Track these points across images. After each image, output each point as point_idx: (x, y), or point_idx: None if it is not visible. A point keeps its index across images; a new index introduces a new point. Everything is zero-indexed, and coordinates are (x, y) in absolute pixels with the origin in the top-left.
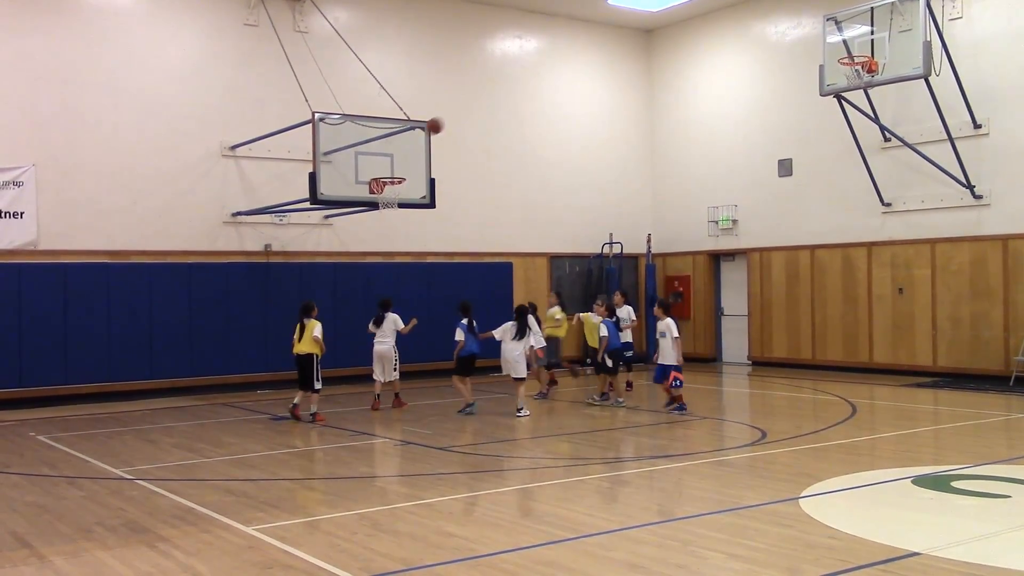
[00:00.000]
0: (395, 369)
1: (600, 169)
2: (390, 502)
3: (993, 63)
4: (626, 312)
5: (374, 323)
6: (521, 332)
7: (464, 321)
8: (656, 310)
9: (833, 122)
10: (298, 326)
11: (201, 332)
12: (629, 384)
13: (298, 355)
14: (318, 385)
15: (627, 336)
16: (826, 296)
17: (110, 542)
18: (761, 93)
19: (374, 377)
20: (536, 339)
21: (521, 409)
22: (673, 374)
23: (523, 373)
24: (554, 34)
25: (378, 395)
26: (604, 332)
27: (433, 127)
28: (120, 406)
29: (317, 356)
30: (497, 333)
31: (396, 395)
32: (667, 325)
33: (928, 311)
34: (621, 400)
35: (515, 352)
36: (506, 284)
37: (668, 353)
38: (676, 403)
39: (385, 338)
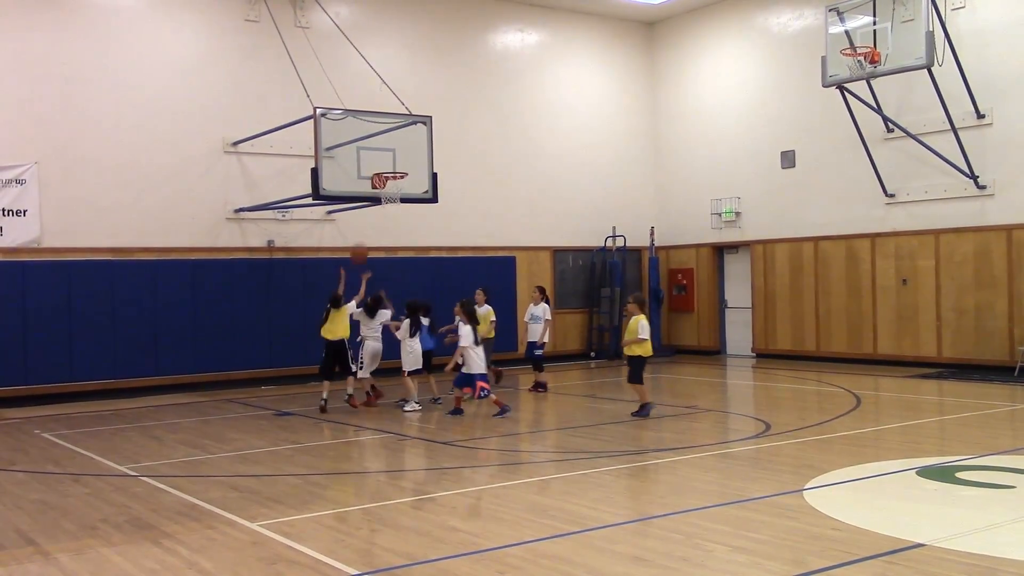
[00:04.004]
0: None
1: (603, 162)
2: (394, 497)
3: (996, 52)
4: (533, 313)
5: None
6: (418, 328)
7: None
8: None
9: (836, 113)
10: (326, 315)
11: (205, 328)
12: (543, 384)
13: (331, 341)
14: (354, 367)
15: (534, 334)
16: (830, 288)
17: (115, 539)
18: (763, 85)
19: (366, 374)
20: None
21: (418, 404)
22: (479, 384)
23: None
24: (556, 27)
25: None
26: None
27: (357, 257)
28: (124, 403)
29: (347, 341)
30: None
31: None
32: (466, 333)
33: (932, 302)
34: (438, 399)
35: (417, 347)
36: (509, 278)
37: (472, 362)
38: (500, 408)
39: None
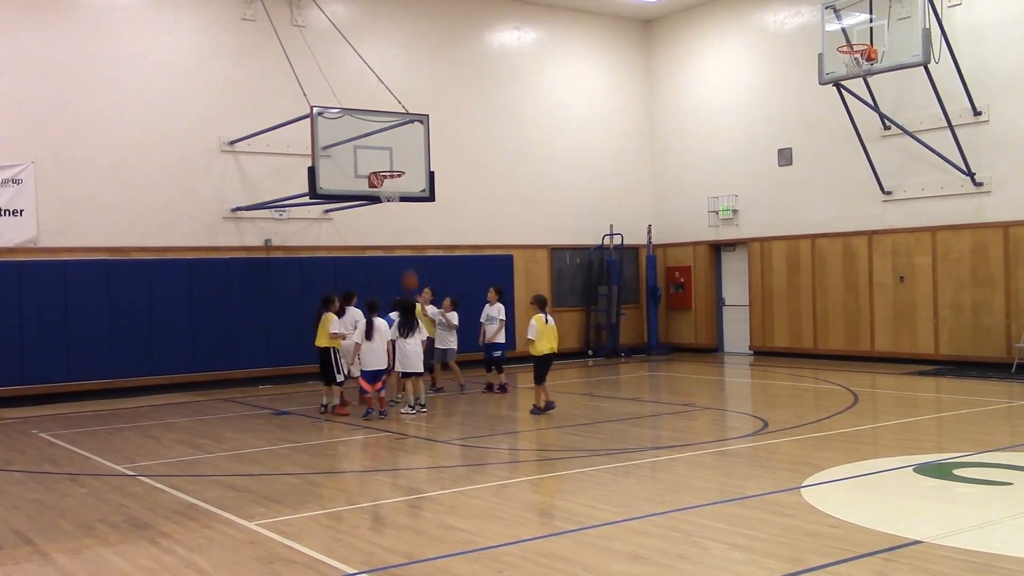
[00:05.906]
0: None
1: (600, 160)
2: (391, 496)
3: (993, 49)
4: (488, 313)
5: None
6: (410, 327)
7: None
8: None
9: (833, 111)
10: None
11: (202, 328)
12: (503, 386)
13: (317, 348)
14: (340, 378)
15: (500, 336)
16: (827, 285)
17: (112, 538)
18: (760, 82)
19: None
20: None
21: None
22: (359, 379)
23: (421, 368)
24: (553, 25)
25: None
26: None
27: (408, 282)
28: (121, 402)
29: (335, 349)
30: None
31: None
32: (359, 329)
33: (929, 299)
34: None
35: (414, 346)
36: (507, 277)
37: (363, 357)
38: (368, 408)
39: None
